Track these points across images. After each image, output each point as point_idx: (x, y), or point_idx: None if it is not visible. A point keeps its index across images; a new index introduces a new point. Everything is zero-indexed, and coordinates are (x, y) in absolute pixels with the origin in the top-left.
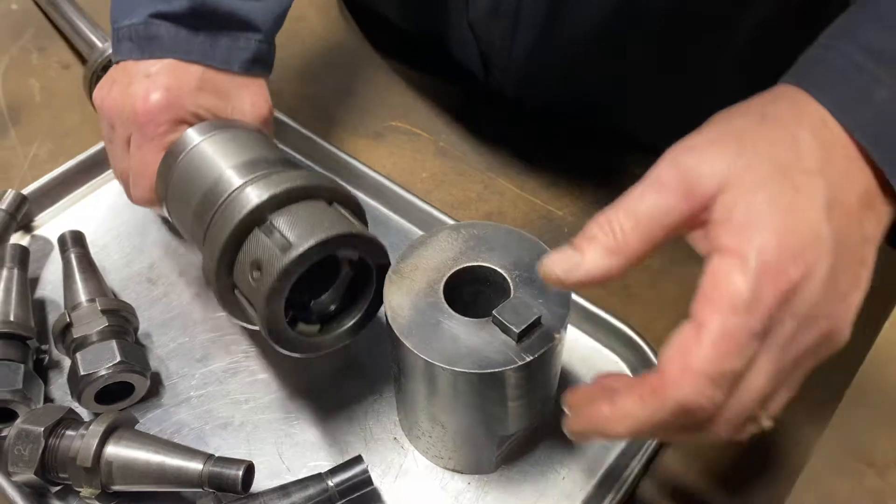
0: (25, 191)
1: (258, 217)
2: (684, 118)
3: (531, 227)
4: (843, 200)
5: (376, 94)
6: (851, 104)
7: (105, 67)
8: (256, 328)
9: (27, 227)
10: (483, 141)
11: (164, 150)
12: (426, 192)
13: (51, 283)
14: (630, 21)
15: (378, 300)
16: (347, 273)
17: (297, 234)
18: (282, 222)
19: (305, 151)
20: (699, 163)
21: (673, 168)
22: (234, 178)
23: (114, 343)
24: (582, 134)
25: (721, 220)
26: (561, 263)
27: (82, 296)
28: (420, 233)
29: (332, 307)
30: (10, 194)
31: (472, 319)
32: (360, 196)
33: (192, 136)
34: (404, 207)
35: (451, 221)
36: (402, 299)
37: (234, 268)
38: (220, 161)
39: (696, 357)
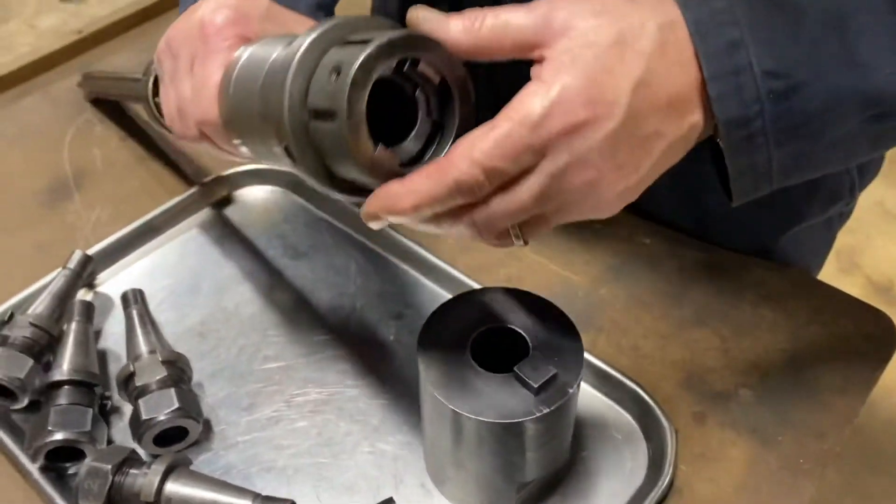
0: (90, 251)
1: (334, 38)
2: (688, 193)
3: (548, 291)
4: (654, 89)
5: None
6: (694, 3)
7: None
8: (332, 190)
9: (90, 285)
10: None
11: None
12: (453, 257)
13: (112, 335)
14: None
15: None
16: (425, 121)
17: (378, 34)
18: (360, 35)
19: (341, 217)
20: (565, 6)
21: (547, 2)
22: (296, 40)
23: (172, 391)
24: None
25: (550, 58)
26: (428, 13)
27: (143, 348)
28: (447, 295)
29: (415, 150)
30: (77, 255)
31: (495, 375)
32: (392, 260)
33: (248, 44)
34: (433, 271)
35: (475, 284)
36: (434, 355)
37: (309, 92)
38: (280, 42)
39: (477, 148)
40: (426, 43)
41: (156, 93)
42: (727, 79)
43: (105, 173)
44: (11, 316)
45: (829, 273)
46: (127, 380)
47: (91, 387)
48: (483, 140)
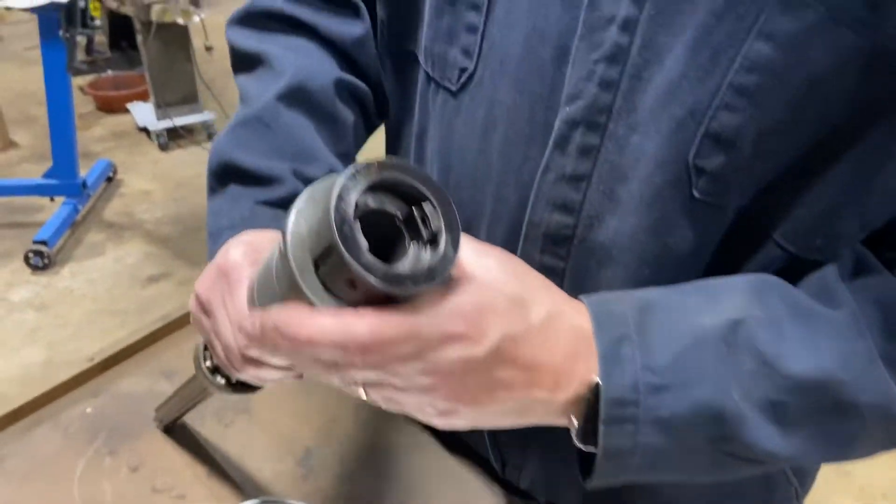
0: None
1: (315, 197)
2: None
3: None
4: (522, 350)
5: (404, 486)
6: (597, 302)
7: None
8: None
9: None
10: None
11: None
12: None
13: None
14: None
15: (449, 209)
16: (417, 242)
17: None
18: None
19: None
20: (499, 258)
21: (493, 248)
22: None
23: None
24: None
25: (461, 279)
26: None
27: None
28: None
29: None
30: None
31: None
32: None
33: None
34: None
35: None
36: None
37: (308, 248)
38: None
39: (383, 321)
40: (387, 164)
41: (211, 370)
42: (615, 364)
43: None
44: None
45: None
46: None
47: None
48: (391, 313)
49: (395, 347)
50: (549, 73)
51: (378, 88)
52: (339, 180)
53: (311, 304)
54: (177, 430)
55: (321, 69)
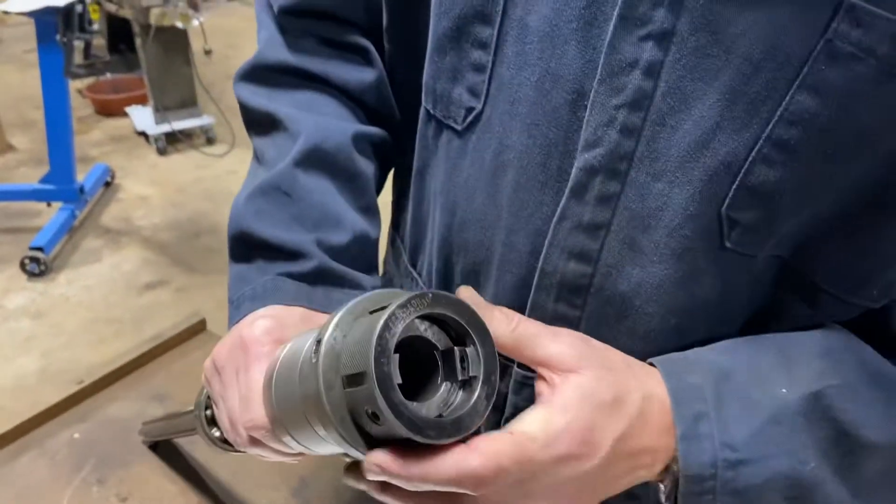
0: None
1: (358, 312)
2: None
3: None
4: (628, 443)
5: None
6: (674, 375)
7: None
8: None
9: None
10: None
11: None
12: None
13: None
14: None
15: (492, 360)
16: (452, 382)
17: (396, 298)
18: (382, 304)
19: None
20: (581, 349)
21: (569, 335)
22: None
23: None
24: None
25: (561, 390)
26: (475, 296)
27: None
28: None
29: (454, 400)
30: None
31: None
32: None
33: (284, 344)
34: None
35: None
36: None
37: (340, 363)
38: (312, 333)
39: (496, 450)
40: (440, 299)
41: (210, 419)
42: (694, 442)
43: None
44: None
45: None
46: None
47: None
48: (502, 443)
49: (510, 475)
50: (564, 118)
51: (395, 128)
52: (389, 309)
53: (329, 419)
54: (167, 456)
55: (337, 126)
